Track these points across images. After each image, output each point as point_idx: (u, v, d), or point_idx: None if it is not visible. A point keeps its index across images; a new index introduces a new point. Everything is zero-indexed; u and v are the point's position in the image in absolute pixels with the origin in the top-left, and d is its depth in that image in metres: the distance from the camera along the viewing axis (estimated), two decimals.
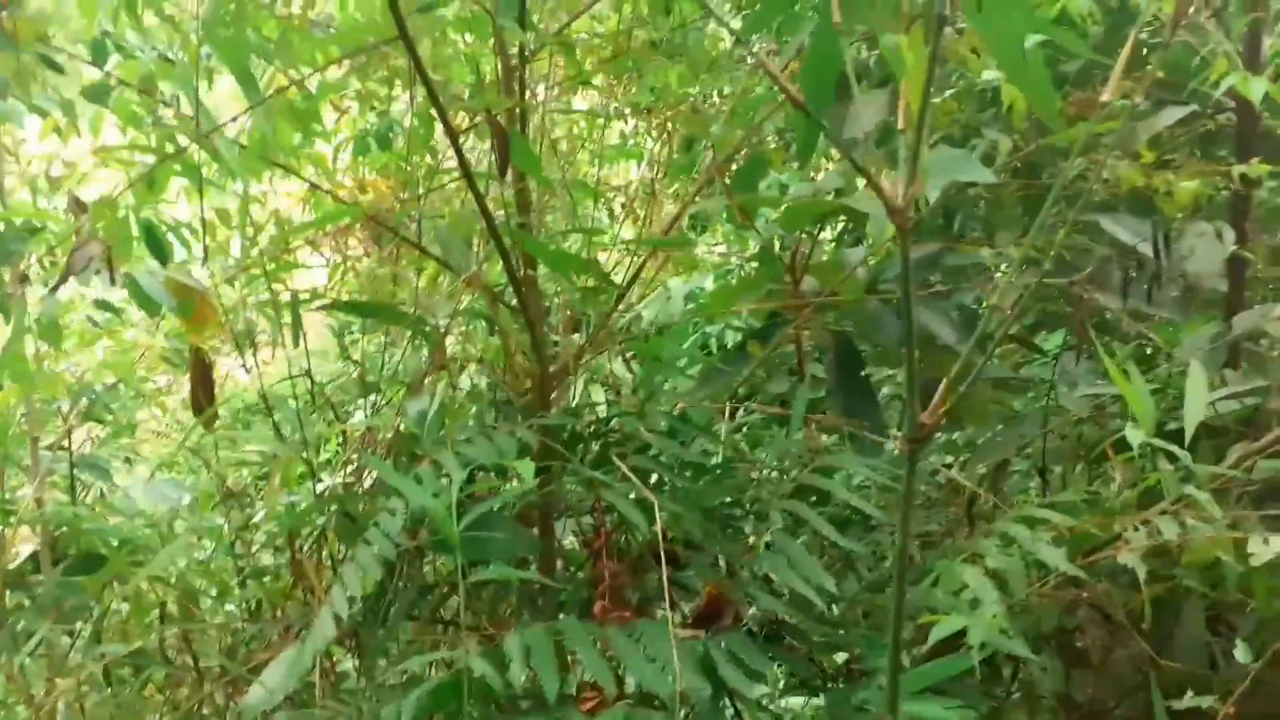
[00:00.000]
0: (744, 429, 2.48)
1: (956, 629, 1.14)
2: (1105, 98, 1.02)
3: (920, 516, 2.21)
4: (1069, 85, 2.21)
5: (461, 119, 1.65)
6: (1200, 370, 1.42)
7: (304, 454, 1.57)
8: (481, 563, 1.41)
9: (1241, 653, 1.30)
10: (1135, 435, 1.33)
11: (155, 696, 1.63)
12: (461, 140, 1.78)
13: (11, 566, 2.26)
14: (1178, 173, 1.91)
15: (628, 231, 2.47)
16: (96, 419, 2.92)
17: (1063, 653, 1.94)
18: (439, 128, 1.87)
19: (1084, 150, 2.11)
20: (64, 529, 2.22)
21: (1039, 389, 2.31)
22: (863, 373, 2.29)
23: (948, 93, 2.32)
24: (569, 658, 1.38)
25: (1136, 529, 1.26)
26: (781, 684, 1.63)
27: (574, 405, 1.85)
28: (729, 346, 3.30)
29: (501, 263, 1.47)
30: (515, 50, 1.53)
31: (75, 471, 2.51)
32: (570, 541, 1.73)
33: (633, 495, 1.44)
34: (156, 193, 1.46)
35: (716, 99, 2.57)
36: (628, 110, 2.14)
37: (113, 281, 1.53)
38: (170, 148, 1.51)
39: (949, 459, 2.78)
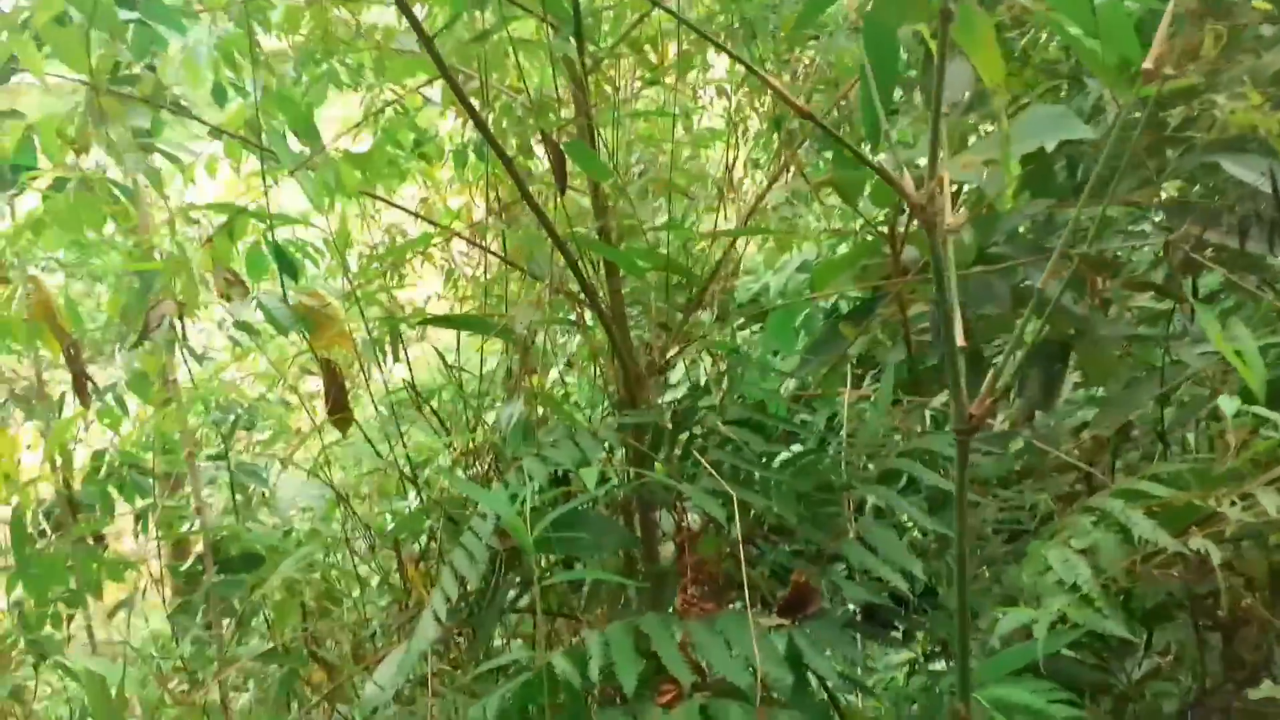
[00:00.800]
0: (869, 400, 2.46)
1: (1023, 622, 1.12)
2: (1158, 49, 0.97)
3: (1048, 484, 2.14)
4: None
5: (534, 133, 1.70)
6: None
7: (404, 465, 1.68)
8: (576, 557, 1.48)
9: None
10: (1229, 404, 1.26)
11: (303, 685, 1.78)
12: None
13: (183, 568, 2.52)
14: None
15: (720, 218, 2.48)
16: (248, 428, 3.18)
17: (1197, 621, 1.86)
18: (533, 135, 1.94)
19: (1196, 94, 1.98)
20: (224, 534, 2.45)
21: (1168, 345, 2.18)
22: (970, 343, 2.23)
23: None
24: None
25: (1234, 503, 1.19)
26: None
27: (671, 398, 1.89)
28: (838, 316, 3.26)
29: (571, 271, 1.52)
30: (578, 64, 1.58)
31: (235, 478, 2.76)
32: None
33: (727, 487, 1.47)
34: (236, 238, 1.58)
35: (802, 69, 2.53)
36: (706, 96, 2.15)
37: (184, 337, 1.67)
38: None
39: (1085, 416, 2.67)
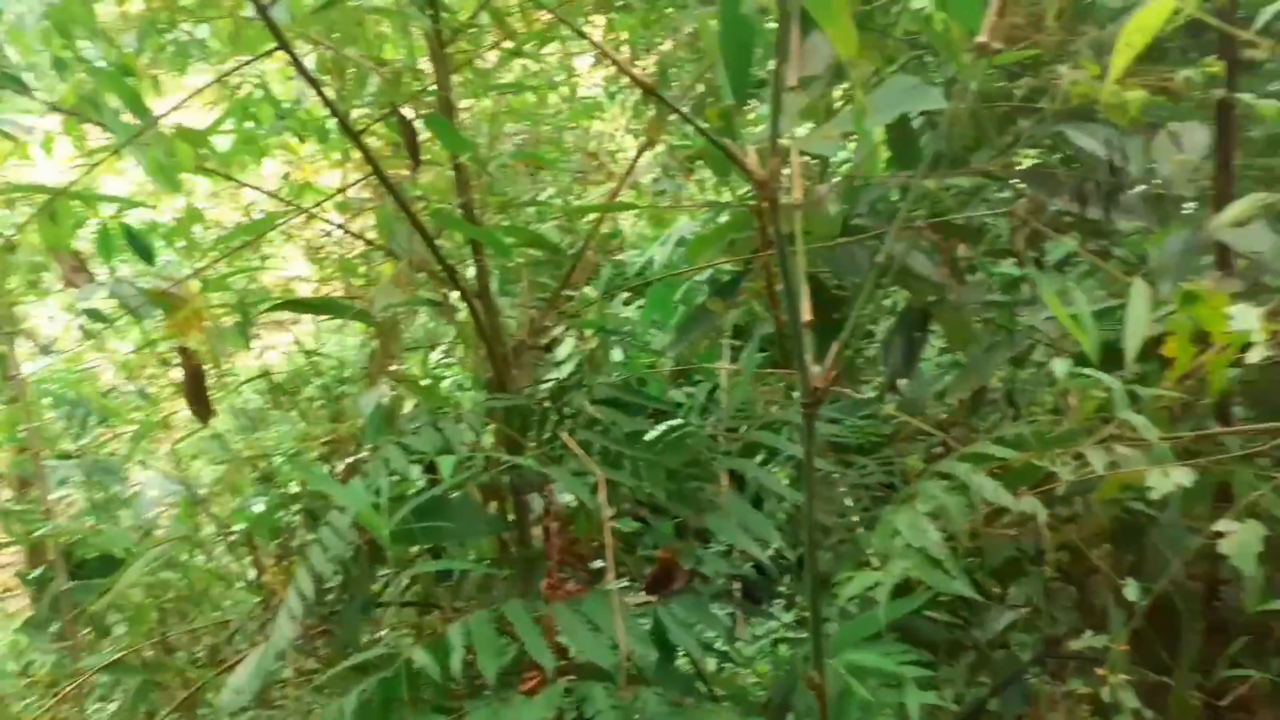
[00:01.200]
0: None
1: (867, 586, 1.15)
2: (993, 18, 0.99)
3: (902, 450, 2.21)
4: None
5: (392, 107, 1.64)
6: (1142, 287, 1.39)
7: (264, 457, 1.61)
8: (442, 545, 1.45)
9: (1132, 591, 1.30)
10: (1061, 366, 1.32)
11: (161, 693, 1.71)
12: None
13: (31, 576, 2.38)
14: (1131, 82, 1.85)
15: (594, 193, 2.46)
16: (102, 423, 3.02)
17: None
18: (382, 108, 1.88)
19: (1043, 64, 2.05)
20: (78, 537, 2.32)
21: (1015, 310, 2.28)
22: (834, 311, 2.27)
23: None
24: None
25: (1067, 463, 1.25)
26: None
27: (555, 377, 1.86)
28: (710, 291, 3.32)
29: (428, 248, 1.47)
30: (432, 34, 1.52)
31: (91, 477, 2.61)
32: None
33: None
34: (63, 218, 1.48)
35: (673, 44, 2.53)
36: (583, 65, 2.12)
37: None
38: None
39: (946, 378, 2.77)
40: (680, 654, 1.42)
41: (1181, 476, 1.07)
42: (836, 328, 2.38)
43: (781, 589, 1.65)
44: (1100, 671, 1.11)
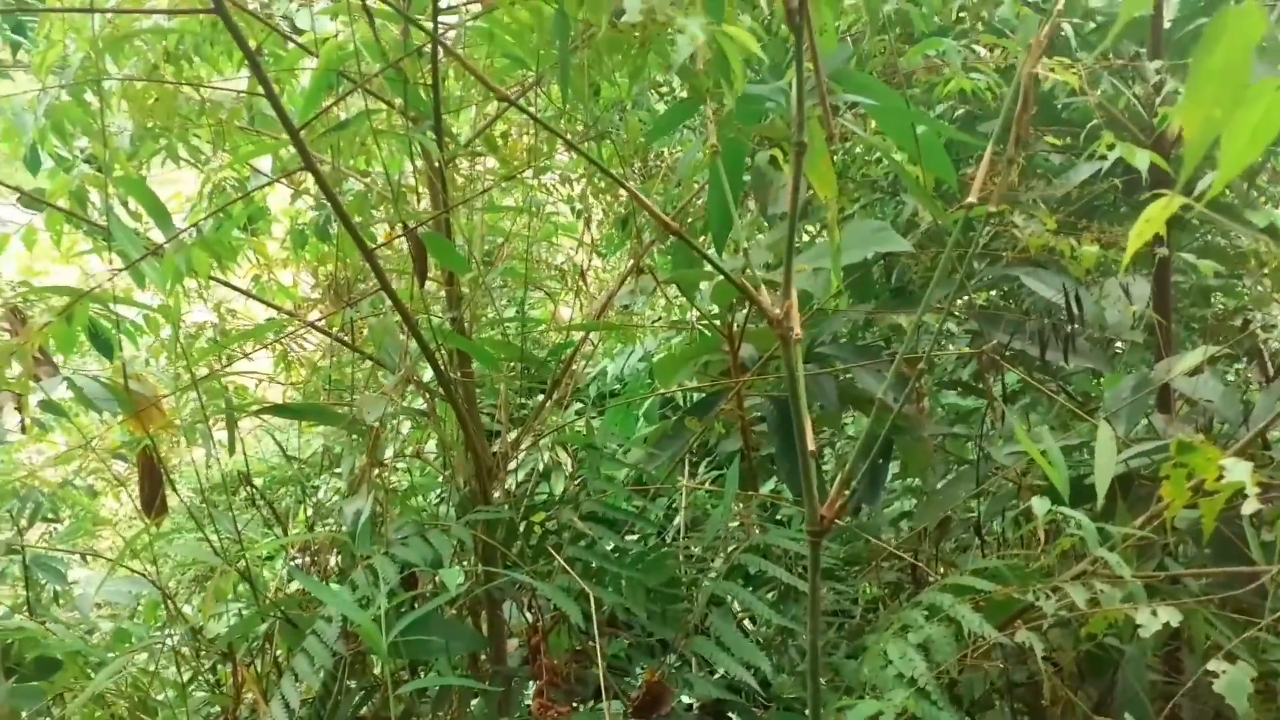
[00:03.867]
0: (705, 484, 2.53)
1: (869, 715, 1.17)
2: (978, 182, 1.08)
3: (871, 579, 2.26)
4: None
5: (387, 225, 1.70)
6: (1107, 430, 1.47)
7: (239, 563, 1.58)
8: (425, 662, 1.43)
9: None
10: (1041, 504, 1.38)
11: None
12: (393, 241, 1.83)
13: None
14: (1087, 233, 1.99)
15: (568, 309, 2.52)
16: (47, 519, 2.90)
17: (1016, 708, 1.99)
18: (379, 227, 1.93)
19: (999, 213, 2.20)
20: (17, 637, 2.20)
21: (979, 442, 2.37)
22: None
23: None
24: None
25: (1047, 596, 1.30)
26: None
27: (517, 492, 1.87)
28: (680, 411, 3.38)
29: (428, 363, 1.50)
30: (437, 157, 1.59)
31: (29, 573, 2.50)
32: (518, 620, 1.75)
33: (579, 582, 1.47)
34: (80, 320, 1.48)
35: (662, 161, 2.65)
36: (557, 196, 2.21)
37: (23, 429, 1.55)
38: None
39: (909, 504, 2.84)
40: None
41: (1168, 615, 1.12)
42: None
43: (750, 715, 1.64)
44: None
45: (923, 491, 2.56)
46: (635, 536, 1.98)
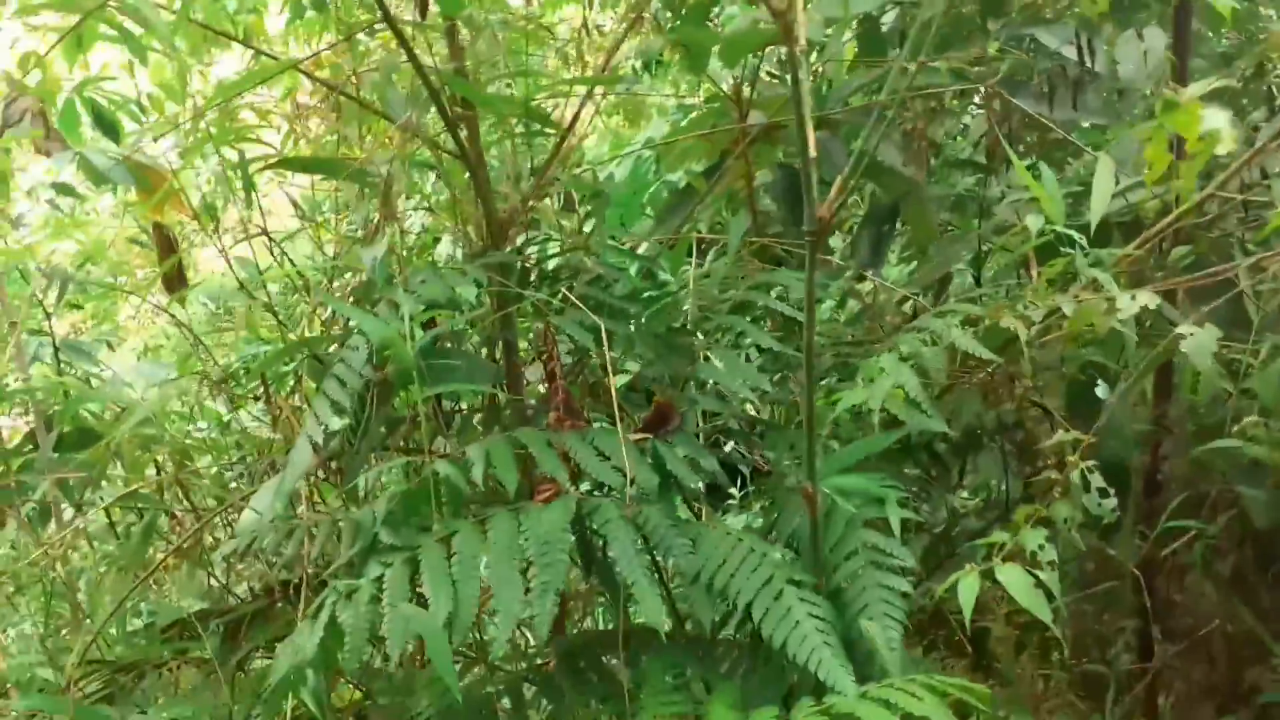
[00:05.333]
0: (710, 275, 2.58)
1: (859, 400, 1.26)
2: None
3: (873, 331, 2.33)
4: None
5: None
6: (1106, 161, 1.50)
7: (268, 308, 1.65)
8: (444, 390, 1.52)
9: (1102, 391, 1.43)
10: (1034, 222, 1.42)
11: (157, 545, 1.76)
12: None
13: (10, 445, 2.38)
14: None
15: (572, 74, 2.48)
16: (75, 305, 2.99)
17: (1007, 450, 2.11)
18: None
19: None
20: (56, 407, 2.32)
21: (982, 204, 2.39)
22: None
23: None
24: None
25: (1036, 307, 1.36)
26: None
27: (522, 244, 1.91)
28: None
29: (436, 110, 1.51)
30: None
31: (60, 356, 2.60)
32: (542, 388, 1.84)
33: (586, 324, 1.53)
34: (84, 49, 1.48)
35: None
36: None
37: (47, 135, 1.57)
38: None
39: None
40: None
41: (1146, 298, 1.18)
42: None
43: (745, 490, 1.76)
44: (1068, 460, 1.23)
45: (927, 256, 2.60)
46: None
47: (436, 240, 1.84)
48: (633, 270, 2.05)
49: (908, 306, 2.16)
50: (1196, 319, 1.20)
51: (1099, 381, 1.86)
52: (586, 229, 1.92)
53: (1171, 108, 1.01)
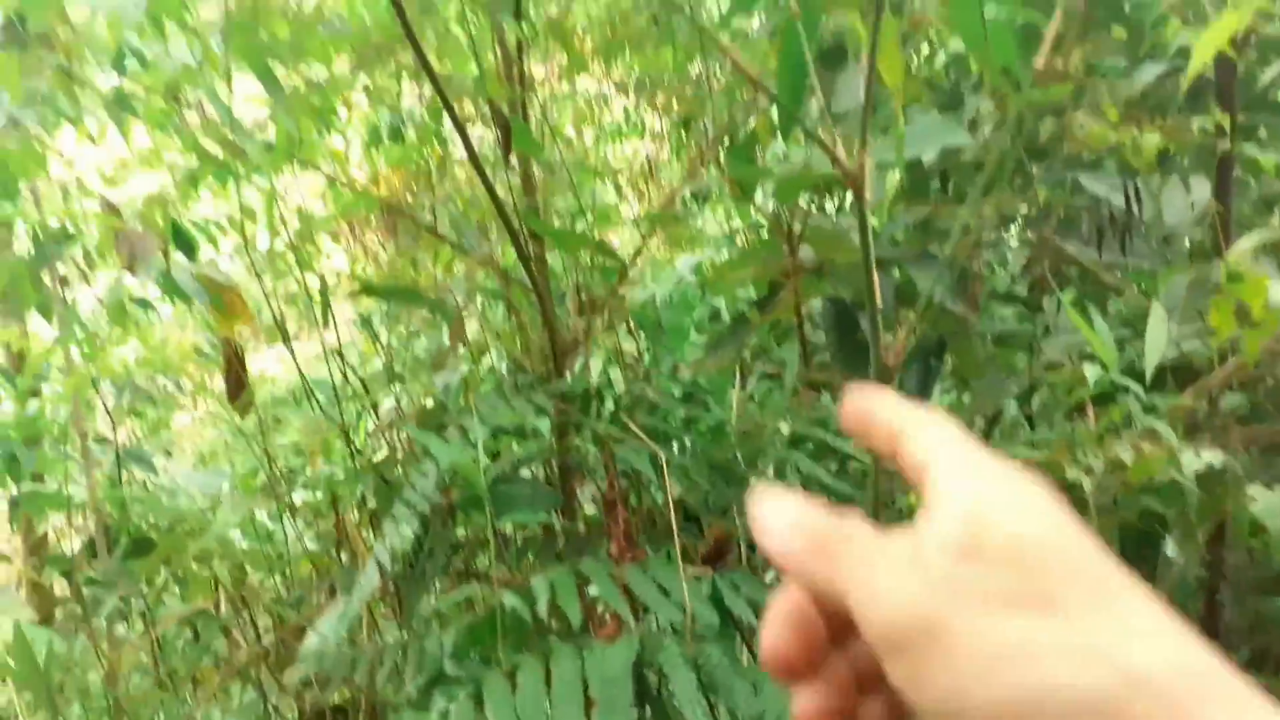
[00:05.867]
0: (753, 395, 2.62)
1: None
2: (1039, 64, 1.13)
3: None
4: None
5: (467, 109, 1.77)
6: (1160, 310, 1.53)
7: (341, 430, 1.71)
8: (507, 517, 1.55)
9: (1171, 549, 1.42)
10: (1092, 372, 1.44)
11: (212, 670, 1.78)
12: (468, 129, 1.91)
13: (70, 554, 2.43)
14: (1148, 127, 2.01)
15: (631, 209, 2.59)
16: (137, 413, 3.08)
17: None
18: (446, 119, 2.01)
19: (1061, 111, 2.22)
20: (115, 516, 2.37)
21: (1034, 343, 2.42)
22: (858, 334, 2.41)
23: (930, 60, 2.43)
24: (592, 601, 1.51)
25: (1096, 456, 1.37)
26: None
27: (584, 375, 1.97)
28: (735, 316, 3.45)
29: (512, 244, 1.59)
30: (513, 41, 1.65)
31: (120, 464, 2.67)
32: (590, 509, 1.87)
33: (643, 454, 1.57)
34: (196, 192, 1.59)
35: (717, 73, 2.69)
36: (627, 91, 2.27)
37: (167, 270, 1.67)
38: (204, 150, 1.64)
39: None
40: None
41: (1211, 456, 1.19)
42: (863, 350, 2.52)
43: None
44: None
45: (977, 389, 2.62)
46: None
47: (498, 371, 1.90)
48: (677, 393, 2.10)
49: None
50: (1264, 479, 1.21)
51: (1156, 528, 1.84)
52: (643, 354, 1.97)
53: (1238, 278, 1.05)
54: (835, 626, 0.35)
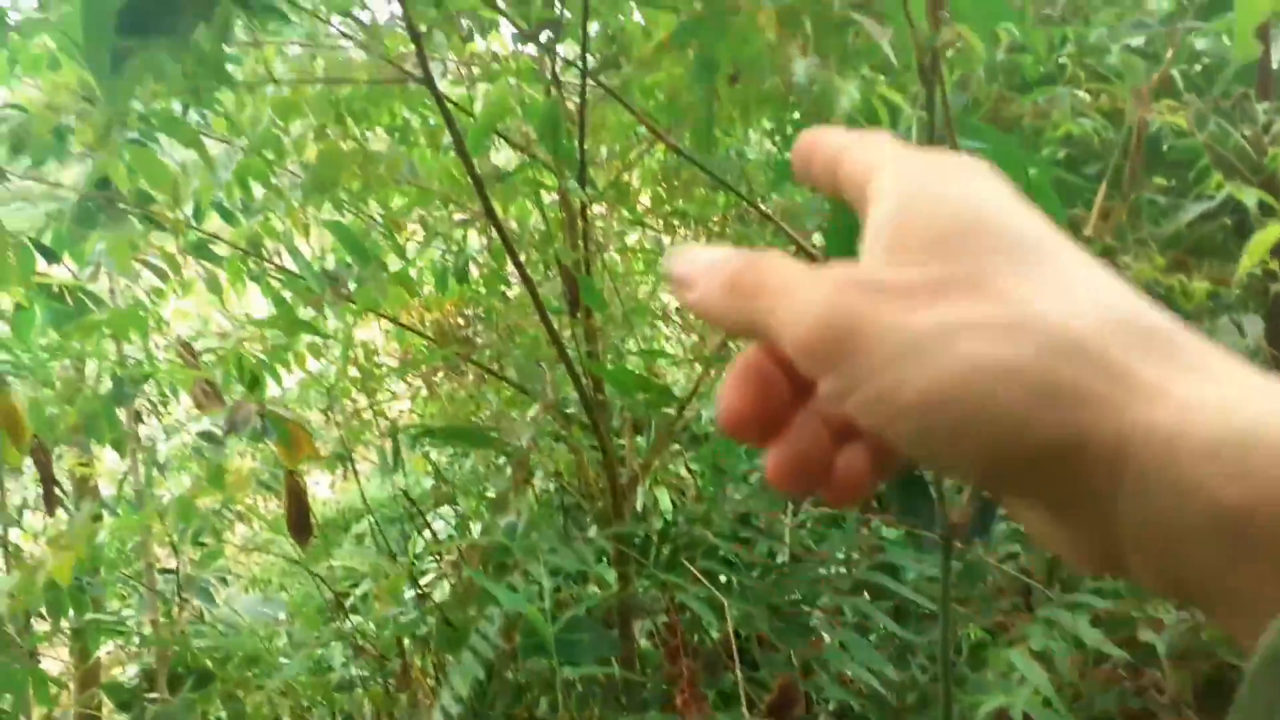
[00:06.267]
0: (807, 524, 2.62)
1: (999, 704, 1.25)
2: (1088, 233, 1.18)
3: (982, 606, 2.30)
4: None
5: (533, 259, 1.86)
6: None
7: (403, 567, 1.74)
8: (569, 664, 1.55)
9: None
10: None
11: None
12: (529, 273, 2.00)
13: (128, 685, 2.46)
14: (1196, 270, 2.05)
15: (686, 343, 2.66)
16: (199, 543, 3.15)
17: None
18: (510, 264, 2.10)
19: (1109, 250, 2.26)
20: (175, 648, 2.41)
21: None
22: (916, 470, 2.41)
23: None
24: None
25: (1168, 610, 1.36)
26: None
27: (642, 510, 2.00)
28: None
29: (574, 387, 1.65)
30: (577, 204, 1.75)
31: (181, 593, 2.72)
32: (645, 643, 1.86)
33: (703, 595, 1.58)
34: (286, 353, 1.68)
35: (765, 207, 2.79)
36: (680, 230, 2.36)
37: (265, 432, 1.74)
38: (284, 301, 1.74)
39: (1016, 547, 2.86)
40: None
41: None
42: (919, 483, 2.52)
43: None
44: None
45: None
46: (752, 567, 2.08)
47: (553, 505, 1.94)
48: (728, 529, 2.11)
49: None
50: None
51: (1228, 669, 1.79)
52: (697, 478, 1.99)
53: None
54: (799, 385, 0.33)
